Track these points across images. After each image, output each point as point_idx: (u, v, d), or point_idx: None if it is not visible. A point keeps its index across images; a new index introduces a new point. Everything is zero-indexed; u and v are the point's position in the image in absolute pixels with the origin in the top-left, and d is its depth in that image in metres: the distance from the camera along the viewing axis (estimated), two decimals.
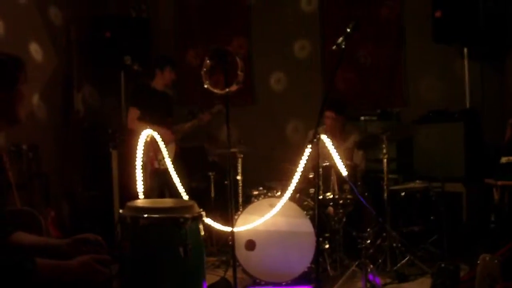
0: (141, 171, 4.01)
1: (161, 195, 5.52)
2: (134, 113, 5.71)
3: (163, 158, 4.50)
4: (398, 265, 4.87)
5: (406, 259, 4.90)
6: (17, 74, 2.46)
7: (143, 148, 4.10)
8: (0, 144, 5.10)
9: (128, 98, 6.18)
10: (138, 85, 6.10)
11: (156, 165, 5.47)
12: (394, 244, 4.96)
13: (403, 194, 5.45)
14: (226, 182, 4.92)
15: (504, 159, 5.03)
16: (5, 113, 2.44)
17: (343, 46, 3.70)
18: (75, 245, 2.53)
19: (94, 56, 6.83)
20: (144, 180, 4.04)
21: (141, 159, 4.03)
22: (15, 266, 2.18)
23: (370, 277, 4.43)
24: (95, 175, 6.40)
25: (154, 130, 4.14)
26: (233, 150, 5.13)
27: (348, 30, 3.69)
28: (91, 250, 2.52)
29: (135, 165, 3.99)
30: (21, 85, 2.47)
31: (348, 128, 5.79)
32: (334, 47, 3.76)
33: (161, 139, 4.19)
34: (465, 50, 6.16)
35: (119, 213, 3.23)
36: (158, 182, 5.54)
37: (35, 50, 5.98)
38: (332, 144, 4.26)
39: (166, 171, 4.48)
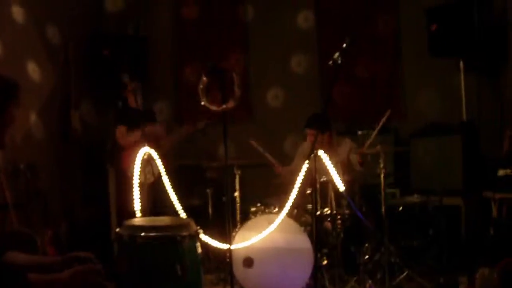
0: (138, 188, 4.02)
1: (154, 210, 5.51)
2: (120, 131, 5.75)
3: (149, 172, 4.52)
4: (397, 280, 4.85)
5: (404, 274, 4.88)
6: (8, 98, 2.44)
7: (140, 165, 4.11)
8: None
9: (115, 119, 6.20)
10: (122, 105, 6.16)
11: (143, 179, 5.46)
12: (393, 259, 4.94)
13: (401, 208, 5.44)
14: (223, 198, 4.92)
15: (501, 172, 5.03)
16: None
17: (340, 62, 3.72)
18: (67, 262, 2.53)
19: (92, 74, 6.85)
20: (141, 197, 4.04)
21: (138, 177, 4.03)
22: (8, 285, 2.19)
23: None
24: (92, 193, 6.40)
25: (147, 131, 4.15)
26: (231, 163, 5.14)
27: (344, 45, 3.72)
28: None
29: (132, 182, 4.00)
30: (12, 109, 2.45)
31: (339, 141, 5.77)
32: (330, 62, 3.78)
33: (155, 137, 4.20)
34: (461, 63, 6.18)
35: (116, 231, 3.23)
36: (149, 196, 5.53)
37: (32, 69, 6.00)
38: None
39: (157, 186, 4.48)
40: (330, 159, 4.28)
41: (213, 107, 3.89)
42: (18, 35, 5.85)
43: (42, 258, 2.70)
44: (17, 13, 5.84)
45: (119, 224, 3.37)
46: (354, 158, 5.61)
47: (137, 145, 4.30)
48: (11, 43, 5.66)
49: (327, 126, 5.63)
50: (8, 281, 2.25)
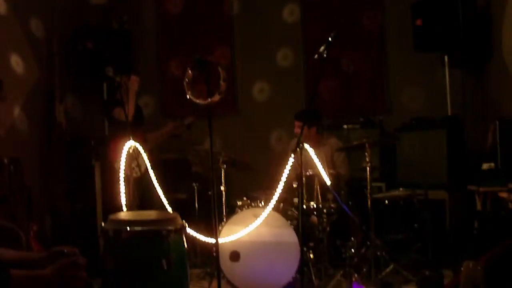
0: (124, 183, 4.00)
1: (141, 204, 5.49)
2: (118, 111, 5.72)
3: (136, 165, 4.49)
4: (383, 273, 4.88)
5: (390, 267, 4.91)
6: None
7: (125, 159, 4.09)
8: None
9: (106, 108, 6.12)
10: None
11: (129, 173, 5.43)
12: (378, 253, 4.97)
13: (386, 202, 5.47)
14: (209, 193, 4.91)
15: (485, 166, 5.07)
16: None
17: (325, 55, 3.72)
18: (52, 257, 2.51)
19: (76, 67, 6.80)
20: (126, 192, 4.02)
21: (124, 171, 4.01)
22: None
23: (355, 286, 4.44)
24: (78, 187, 6.35)
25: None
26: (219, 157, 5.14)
27: (330, 39, 3.72)
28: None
29: (118, 176, 3.98)
30: None
31: (325, 136, 5.79)
32: (316, 56, 3.78)
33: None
34: (446, 58, 6.21)
35: (102, 226, 3.22)
36: (136, 191, 5.51)
37: (16, 62, 5.94)
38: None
39: (144, 180, 4.46)
40: (316, 154, 4.28)
41: (199, 101, 3.87)
42: (1, 27, 5.79)
43: (26, 254, 2.68)
44: (0, 5, 5.77)
45: (105, 219, 3.35)
46: (339, 160, 5.64)
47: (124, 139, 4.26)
48: None
49: (315, 121, 5.65)
50: None
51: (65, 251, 2.58)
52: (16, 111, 5.90)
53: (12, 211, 5.01)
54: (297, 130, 5.49)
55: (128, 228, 3.12)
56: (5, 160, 5.21)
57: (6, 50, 5.85)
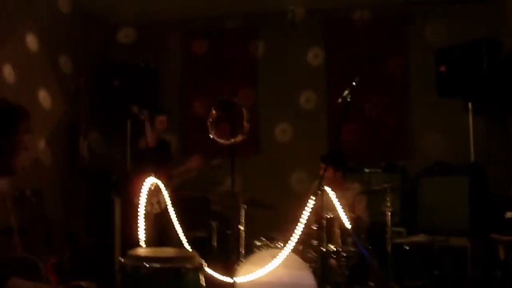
0: (144, 218, 4.00)
1: (159, 241, 5.49)
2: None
3: (157, 202, 4.49)
4: None
5: None
6: (16, 123, 2.41)
7: (146, 196, 4.10)
8: (3, 188, 5.10)
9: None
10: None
11: (149, 209, 5.46)
12: None
13: (407, 247, 5.40)
14: (228, 232, 4.90)
15: (509, 214, 5.00)
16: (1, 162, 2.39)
17: (349, 99, 3.75)
18: None
19: (101, 103, 6.90)
20: (146, 227, 4.02)
21: (144, 207, 4.02)
22: None
23: None
24: (97, 222, 6.38)
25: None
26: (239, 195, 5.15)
27: (354, 83, 3.74)
28: None
29: (137, 212, 3.99)
30: (21, 135, 2.42)
31: (349, 181, 5.77)
32: (339, 99, 3.81)
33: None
34: (470, 104, 6.20)
35: (120, 261, 3.22)
36: (155, 228, 5.52)
37: (43, 97, 6.05)
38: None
39: (163, 217, 4.46)
40: (338, 198, 4.26)
41: (222, 140, 3.91)
42: (31, 62, 5.93)
43: (44, 286, 2.68)
44: (31, 41, 5.92)
45: (123, 254, 3.35)
46: (360, 207, 5.60)
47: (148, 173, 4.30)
48: (24, 71, 5.72)
49: (342, 165, 5.65)
50: None
51: (83, 285, 2.59)
52: (41, 144, 5.99)
53: (32, 243, 5.03)
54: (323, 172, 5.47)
55: (147, 265, 3.11)
56: (27, 192, 5.27)
57: (35, 84, 5.98)
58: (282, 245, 4.76)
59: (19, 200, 5.10)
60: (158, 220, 5.34)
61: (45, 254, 4.90)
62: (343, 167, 5.65)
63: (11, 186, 5.20)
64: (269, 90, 7.45)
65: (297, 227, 4.20)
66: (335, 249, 4.83)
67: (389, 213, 4.93)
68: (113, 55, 7.37)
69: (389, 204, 4.96)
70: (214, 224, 6.04)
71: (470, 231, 5.61)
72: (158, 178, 4.28)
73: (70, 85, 6.59)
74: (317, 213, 4.17)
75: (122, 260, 3.22)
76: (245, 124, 3.88)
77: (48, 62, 6.24)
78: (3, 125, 2.37)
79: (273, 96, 7.40)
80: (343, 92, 3.84)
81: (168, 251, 3.64)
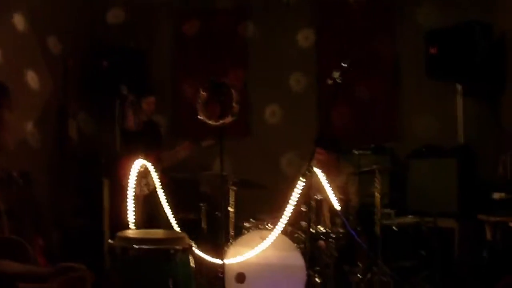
0: (133, 200, 4.00)
1: (148, 223, 5.49)
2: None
3: (145, 184, 4.48)
4: None
5: None
6: None
7: (135, 178, 4.10)
8: None
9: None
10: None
11: (138, 191, 5.45)
12: (385, 279, 4.92)
13: (395, 228, 5.43)
14: (218, 213, 4.90)
15: (496, 195, 5.04)
16: None
17: (339, 81, 3.74)
18: (59, 273, 2.51)
19: (90, 85, 6.86)
20: (135, 210, 4.03)
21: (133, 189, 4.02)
22: None
23: None
24: (86, 203, 6.37)
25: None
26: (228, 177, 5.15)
27: (344, 65, 3.73)
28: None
29: (126, 193, 3.98)
30: (3, 113, 2.38)
31: (342, 165, 5.77)
32: (329, 81, 3.80)
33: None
34: (459, 87, 6.20)
35: (109, 243, 3.22)
36: (144, 210, 5.51)
37: (31, 78, 6.01)
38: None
39: (152, 199, 4.46)
40: (331, 181, 4.27)
41: (211, 122, 3.90)
42: (19, 43, 5.87)
43: (33, 268, 2.67)
44: (19, 21, 5.86)
45: (112, 236, 3.35)
46: (351, 191, 5.61)
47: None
48: (11, 51, 5.67)
49: (335, 147, 5.65)
50: None
51: (73, 266, 2.58)
52: (29, 125, 5.95)
53: (20, 225, 5.02)
54: (318, 156, 5.45)
55: (135, 246, 3.11)
56: (15, 174, 5.25)
57: (23, 65, 5.93)
58: (271, 226, 4.78)
59: (6, 182, 5.09)
60: (147, 202, 5.34)
61: (33, 236, 4.90)
62: (337, 149, 5.66)
63: None
64: (259, 72, 7.41)
65: (286, 208, 4.22)
66: (324, 231, 4.85)
67: (378, 195, 4.95)
68: (102, 36, 7.31)
69: (378, 185, 4.97)
70: (203, 206, 6.05)
71: (458, 212, 5.65)
72: (147, 160, 4.27)
73: (58, 66, 6.54)
74: (306, 195, 4.17)
75: (111, 242, 3.22)
76: (235, 105, 3.87)
77: (37, 42, 6.18)
78: None
79: (263, 77, 7.36)
80: (333, 73, 3.82)
81: (157, 233, 3.65)
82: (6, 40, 5.64)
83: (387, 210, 5.92)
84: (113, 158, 6.10)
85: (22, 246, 3.20)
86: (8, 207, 4.83)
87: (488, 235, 4.93)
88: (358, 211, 5.50)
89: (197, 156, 6.44)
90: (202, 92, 3.92)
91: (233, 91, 3.90)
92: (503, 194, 4.99)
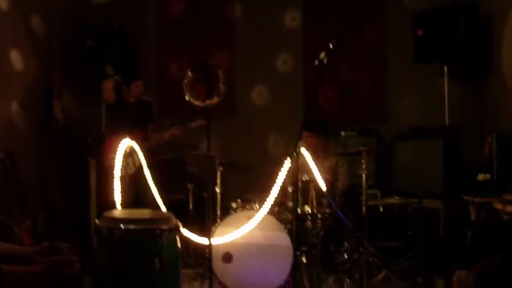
0: (119, 180, 4.00)
1: (135, 203, 5.49)
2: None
3: (132, 163, 4.46)
4: (374, 280, 4.88)
5: (382, 274, 4.91)
6: None
7: (121, 157, 4.08)
8: None
9: None
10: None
11: (124, 171, 5.44)
12: (371, 259, 4.96)
13: (381, 209, 5.47)
14: (204, 194, 4.91)
15: (481, 176, 5.09)
16: None
17: (325, 62, 3.73)
18: (44, 252, 2.50)
19: (75, 65, 6.80)
20: (122, 190, 4.02)
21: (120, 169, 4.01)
22: None
23: None
24: (73, 184, 6.35)
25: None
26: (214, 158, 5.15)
27: (331, 46, 3.73)
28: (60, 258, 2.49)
29: (112, 173, 3.97)
30: None
31: (330, 147, 5.78)
32: (316, 62, 3.79)
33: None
34: (445, 68, 6.22)
35: (95, 223, 3.21)
36: (130, 189, 5.51)
37: (15, 57, 5.93)
38: (314, 162, 4.27)
39: (139, 178, 4.46)
40: (319, 162, 4.28)
41: (197, 102, 3.88)
42: (2, 23, 5.79)
43: (18, 247, 2.67)
44: (2, 0, 5.78)
45: (99, 216, 3.35)
46: (341, 172, 5.63)
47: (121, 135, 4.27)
48: None
49: (323, 129, 5.65)
50: None
51: (58, 246, 2.57)
52: (14, 106, 5.89)
53: (5, 206, 5.00)
54: (306, 138, 5.44)
55: (122, 226, 3.11)
56: (0, 155, 5.21)
57: (5, 45, 5.85)
58: (258, 207, 4.79)
59: None
60: (133, 182, 5.33)
61: (19, 217, 4.88)
62: (325, 131, 5.66)
63: None
64: (246, 53, 7.39)
65: (273, 189, 4.23)
66: (310, 211, 4.87)
67: (364, 176, 4.97)
68: (87, 15, 7.22)
69: (364, 167, 4.99)
70: (190, 186, 6.06)
71: (443, 193, 5.70)
72: (133, 138, 4.26)
73: (42, 46, 6.47)
74: (293, 176, 4.18)
75: (97, 221, 3.22)
76: (221, 86, 3.86)
77: (20, 22, 6.10)
78: None
79: (250, 58, 7.35)
80: (320, 55, 3.82)
81: (143, 213, 3.64)
82: None
83: (373, 191, 5.97)
84: (99, 138, 6.07)
85: (8, 227, 3.19)
86: None
87: (473, 216, 4.98)
88: (344, 192, 5.53)
89: (184, 137, 6.43)
90: (188, 73, 3.90)
91: (219, 71, 3.89)
92: (487, 175, 5.04)
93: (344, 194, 5.50)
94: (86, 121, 6.97)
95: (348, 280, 4.53)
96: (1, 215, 4.58)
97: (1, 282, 2.18)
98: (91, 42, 6.68)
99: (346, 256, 4.92)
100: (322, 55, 3.76)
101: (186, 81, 3.88)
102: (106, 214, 3.33)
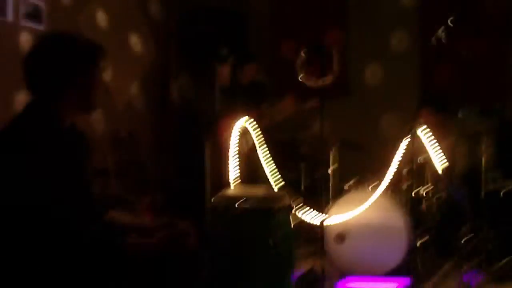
0: (234, 159, 4.06)
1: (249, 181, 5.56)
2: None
3: (245, 142, 4.53)
4: (494, 267, 4.67)
5: (504, 261, 4.68)
6: (91, 61, 2.37)
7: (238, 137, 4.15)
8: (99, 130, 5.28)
9: None
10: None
11: (238, 150, 5.51)
12: (491, 244, 4.75)
13: (502, 192, 5.21)
14: (317, 174, 4.90)
15: None
16: (81, 99, 2.36)
17: (443, 40, 3.60)
18: (164, 227, 2.58)
19: (190, 47, 6.96)
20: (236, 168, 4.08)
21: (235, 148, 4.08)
22: (107, 241, 2.30)
23: (465, 277, 4.29)
24: (189, 164, 6.52)
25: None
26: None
27: (449, 22, 3.59)
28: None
29: (227, 154, 4.05)
30: (95, 71, 2.38)
31: (449, 127, 5.57)
32: (433, 40, 3.66)
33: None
34: None
35: (211, 201, 3.29)
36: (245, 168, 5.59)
37: (134, 42, 6.17)
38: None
39: (252, 157, 4.52)
40: (437, 143, 4.15)
41: (311, 83, 3.87)
42: (123, 8, 6.03)
43: (140, 221, 2.76)
44: None
45: (214, 195, 3.42)
46: (459, 153, 5.42)
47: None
48: (116, 16, 5.84)
49: (443, 107, 5.48)
50: (110, 237, 2.35)
51: (177, 221, 2.65)
52: (133, 88, 6.14)
53: (127, 184, 5.22)
54: (425, 117, 5.30)
55: (237, 205, 3.16)
56: (123, 135, 5.45)
57: (126, 30, 6.09)
58: (372, 188, 4.72)
59: (114, 143, 5.29)
60: (247, 160, 5.40)
61: (139, 195, 5.08)
62: (445, 110, 5.48)
63: (107, 129, 5.41)
64: (359, 31, 7.26)
65: (388, 170, 4.15)
66: (425, 194, 4.74)
67: (484, 158, 4.76)
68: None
69: (485, 148, 4.78)
70: (302, 166, 6.06)
71: None
72: (247, 118, 4.31)
73: (160, 30, 6.68)
74: (409, 157, 4.08)
75: (213, 200, 3.29)
76: (335, 66, 3.82)
77: (139, 6, 6.33)
78: (85, 61, 2.36)
79: (364, 37, 7.21)
80: (438, 33, 3.68)
81: (258, 191, 3.68)
82: (111, 4, 5.81)
83: (494, 174, 5.70)
84: (214, 119, 6.20)
85: (130, 203, 3.35)
86: (117, 167, 5.06)
87: None
88: (463, 174, 5.32)
89: (296, 118, 6.43)
90: (302, 54, 3.90)
91: (333, 51, 3.85)
92: None
93: (462, 177, 5.29)
94: (201, 102, 7.13)
95: (466, 265, 4.36)
96: (122, 192, 4.81)
97: (126, 253, 2.29)
98: (206, 24, 6.81)
99: (464, 241, 4.74)
100: (441, 33, 3.62)
101: (299, 61, 3.88)
102: (222, 192, 3.40)
